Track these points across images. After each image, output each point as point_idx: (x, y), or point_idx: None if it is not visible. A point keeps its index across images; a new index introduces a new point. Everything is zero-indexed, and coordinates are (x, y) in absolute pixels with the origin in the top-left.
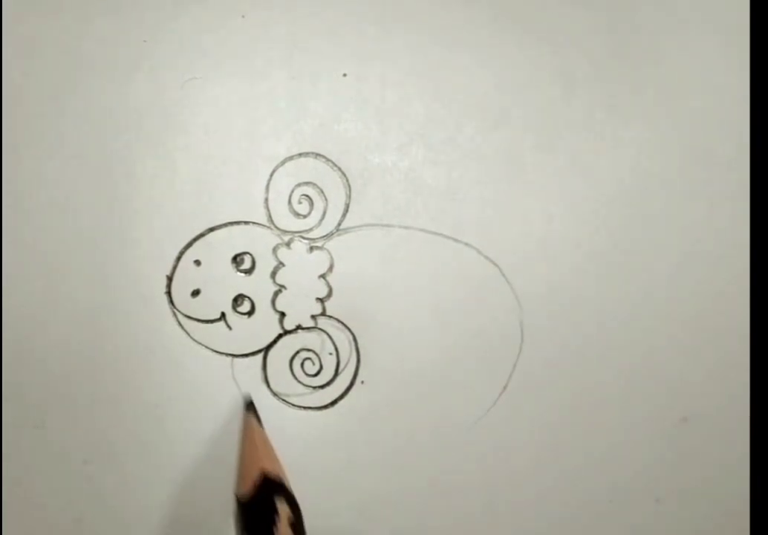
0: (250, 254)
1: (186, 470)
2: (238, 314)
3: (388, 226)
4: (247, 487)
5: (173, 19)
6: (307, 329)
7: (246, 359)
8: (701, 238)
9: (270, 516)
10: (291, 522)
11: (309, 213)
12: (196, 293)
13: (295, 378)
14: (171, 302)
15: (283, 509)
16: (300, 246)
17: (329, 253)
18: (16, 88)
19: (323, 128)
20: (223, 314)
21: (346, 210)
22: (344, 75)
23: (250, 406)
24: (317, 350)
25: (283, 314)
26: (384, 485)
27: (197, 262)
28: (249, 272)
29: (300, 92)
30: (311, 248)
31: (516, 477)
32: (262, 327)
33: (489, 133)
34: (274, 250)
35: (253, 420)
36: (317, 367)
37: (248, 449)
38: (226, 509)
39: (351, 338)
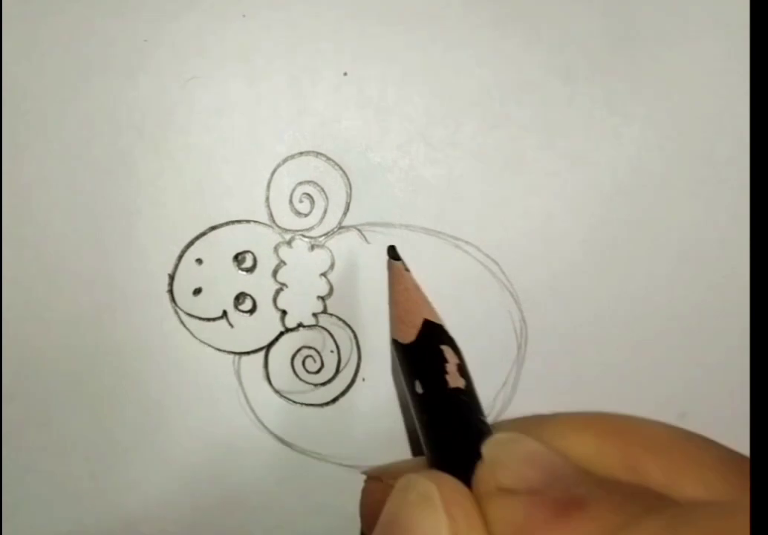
0: (252, 253)
1: (189, 468)
2: (239, 312)
3: (388, 224)
4: (411, 334)
5: (174, 19)
6: (309, 326)
7: (248, 357)
8: (701, 237)
9: (439, 361)
10: (458, 366)
11: (310, 212)
12: (197, 291)
13: (297, 376)
14: (173, 300)
15: (449, 353)
16: (301, 244)
17: (330, 251)
18: (17, 89)
19: (324, 127)
20: (224, 312)
21: (347, 208)
22: (345, 74)
23: (392, 250)
24: (318, 348)
25: (284, 312)
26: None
27: (199, 261)
28: (250, 270)
29: (301, 91)
30: (312, 247)
31: None
32: (263, 325)
33: (489, 132)
34: (276, 248)
35: (401, 266)
36: (318, 364)
37: (403, 296)
38: (230, 508)
39: (352, 335)
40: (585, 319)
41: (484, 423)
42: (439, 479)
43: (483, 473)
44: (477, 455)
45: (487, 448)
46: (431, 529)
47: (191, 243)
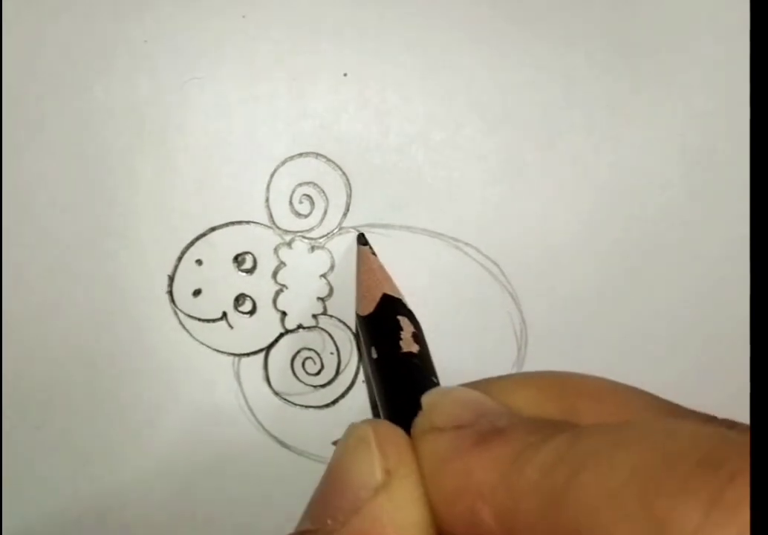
0: (252, 254)
1: (188, 470)
2: (239, 314)
3: (388, 225)
4: (370, 306)
5: (174, 20)
6: (309, 328)
7: (247, 359)
8: (701, 237)
9: (394, 329)
10: (413, 334)
11: (310, 213)
12: (197, 292)
13: (297, 377)
14: (172, 301)
15: (405, 323)
16: (301, 246)
17: (330, 252)
18: (16, 88)
19: (324, 128)
20: (224, 314)
21: (347, 210)
22: (345, 75)
23: (361, 237)
24: (318, 350)
25: (284, 314)
26: None
27: (199, 262)
28: (250, 271)
29: (301, 92)
30: (312, 248)
31: None
32: (263, 326)
33: (489, 134)
34: (276, 249)
35: (368, 250)
36: (318, 366)
37: (367, 275)
38: (228, 510)
39: (352, 337)
40: (585, 320)
41: (434, 384)
42: (376, 423)
43: (419, 418)
44: (419, 407)
45: (426, 397)
46: (366, 468)
47: (191, 244)
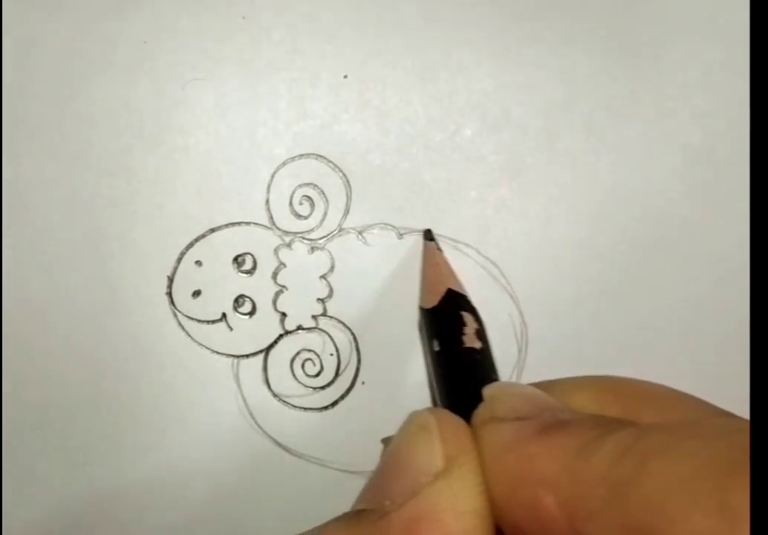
0: (252, 255)
1: (187, 472)
2: (239, 315)
3: (388, 226)
4: (434, 300)
5: (174, 21)
6: (308, 329)
7: (247, 360)
8: (701, 238)
9: (457, 324)
10: (476, 331)
11: (310, 214)
12: (197, 293)
13: (296, 379)
14: (172, 302)
15: (468, 319)
16: (301, 247)
17: (330, 253)
18: (16, 89)
19: (324, 130)
20: (224, 315)
21: (347, 211)
22: (345, 77)
23: (428, 233)
24: (318, 351)
25: (284, 315)
26: None
27: (198, 263)
28: (250, 272)
29: (301, 93)
30: (312, 249)
31: None
32: (263, 328)
33: (489, 134)
34: (276, 251)
35: (434, 246)
36: (318, 368)
37: (432, 269)
38: (227, 512)
39: (352, 338)
40: (585, 321)
41: (495, 380)
42: (438, 412)
43: (480, 409)
44: (480, 400)
45: (487, 389)
46: (426, 453)
47: (191, 245)
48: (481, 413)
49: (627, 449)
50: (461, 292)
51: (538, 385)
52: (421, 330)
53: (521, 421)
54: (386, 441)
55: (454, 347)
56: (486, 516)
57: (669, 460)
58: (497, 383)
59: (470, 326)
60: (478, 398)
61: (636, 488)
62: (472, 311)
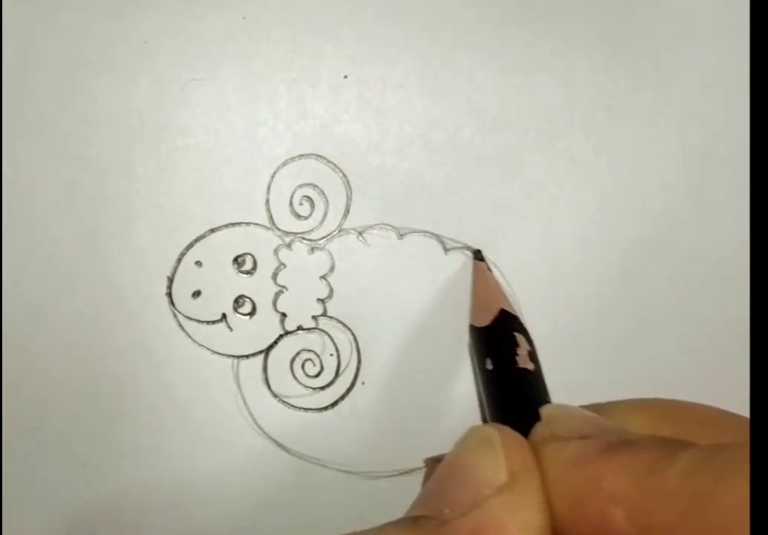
0: (252, 255)
1: (187, 473)
2: (239, 315)
3: (388, 227)
4: (487, 319)
5: (174, 21)
6: (308, 329)
7: (247, 360)
8: (701, 238)
9: (510, 344)
10: (529, 352)
11: (310, 214)
12: (197, 294)
13: (296, 379)
14: (171, 303)
15: (521, 339)
16: (301, 247)
17: (330, 254)
18: (16, 89)
19: (324, 130)
20: (224, 315)
21: (347, 211)
22: (345, 77)
23: (478, 253)
24: (318, 351)
25: (284, 315)
26: (385, 486)
27: (198, 264)
28: (250, 273)
29: (301, 94)
30: (312, 249)
31: None
32: (263, 328)
33: (489, 134)
34: (276, 251)
35: (485, 266)
36: (318, 368)
37: (483, 288)
38: (227, 513)
39: (352, 338)
40: (585, 321)
41: (548, 402)
42: (500, 427)
43: (539, 427)
44: (537, 418)
45: (545, 409)
46: (490, 467)
47: (190, 245)
48: (540, 431)
49: (701, 465)
50: (514, 313)
51: (588, 407)
52: (470, 348)
53: (585, 440)
54: (430, 461)
55: (508, 366)
56: (547, 534)
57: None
58: (554, 404)
59: (523, 347)
60: (533, 418)
61: (714, 501)
62: (525, 332)
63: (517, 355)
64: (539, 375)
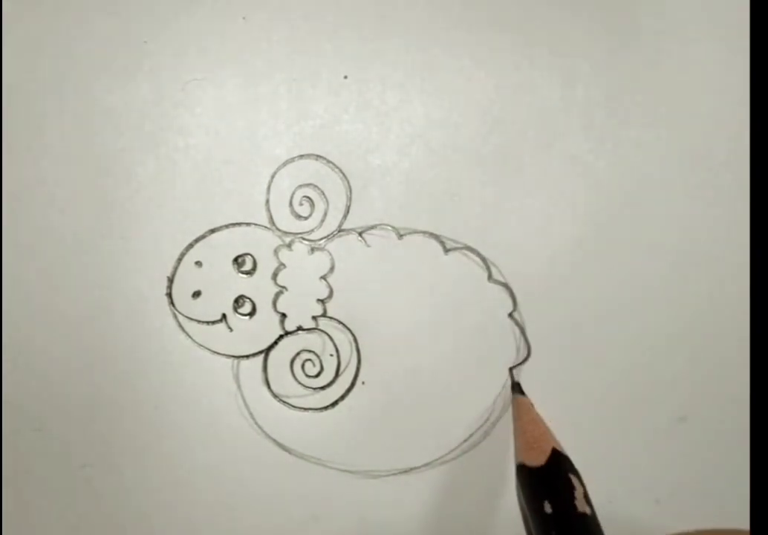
0: (252, 256)
1: (187, 473)
2: (239, 316)
3: (388, 227)
4: (540, 459)
5: (174, 21)
6: (308, 330)
7: (247, 361)
8: (701, 238)
9: (567, 487)
10: (584, 494)
11: (310, 214)
12: (197, 294)
13: (296, 379)
14: (172, 303)
15: (576, 481)
16: (301, 247)
17: (330, 254)
18: (16, 89)
19: (324, 130)
20: (224, 316)
21: (347, 211)
22: (345, 77)
23: (517, 387)
24: (318, 351)
25: (284, 315)
26: (384, 486)
27: (198, 264)
28: (250, 273)
29: (301, 94)
30: (312, 250)
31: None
32: (263, 328)
33: (489, 134)
34: (276, 251)
35: (528, 401)
36: (318, 368)
37: (531, 425)
38: (227, 513)
39: (352, 338)
40: (584, 321)
41: None
42: None
43: None
44: None
45: None
46: None
47: (190, 246)
48: None
49: None
50: (564, 453)
51: None
52: (518, 487)
53: None
54: None
55: (567, 510)
56: None
57: None
58: None
59: (579, 490)
60: None
61: None
62: (576, 473)
63: (575, 498)
64: (596, 520)
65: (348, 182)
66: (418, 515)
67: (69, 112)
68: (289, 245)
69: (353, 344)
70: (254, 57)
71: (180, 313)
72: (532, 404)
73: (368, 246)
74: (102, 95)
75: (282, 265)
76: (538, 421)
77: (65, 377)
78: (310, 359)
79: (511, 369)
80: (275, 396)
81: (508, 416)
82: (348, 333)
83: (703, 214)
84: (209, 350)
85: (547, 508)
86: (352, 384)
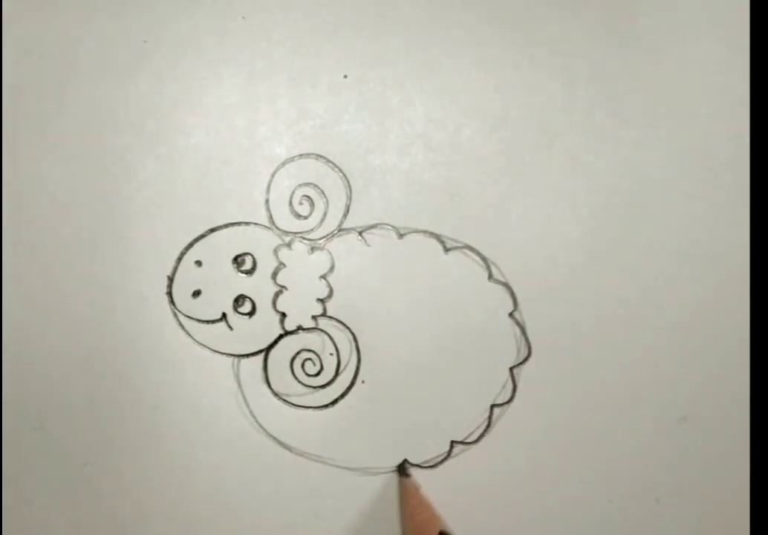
0: (251, 255)
1: (187, 471)
2: (239, 315)
3: (388, 226)
4: None
5: (174, 20)
6: (308, 329)
7: (247, 360)
8: (701, 238)
9: None
10: None
11: (310, 214)
12: (197, 293)
13: (296, 378)
14: (172, 302)
15: None
16: (301, 247)
17: (330, 253)
18: (16, 88)
19: (324, 130)
20: (224, 315)
21: (347, 211)
22: (345, 77)
23: (402, 468)
24: (318, 351)
25: (284, 315)
26: (384, 485)
27: (198, 263)
28: (250, 272)
29: (301, 94)
30: (312, 249)
31: (515, 477)
32: (263, 328)
33: (489, 134)
34: (275, 251)
35: (413, 484)
36: (318, 367)
37: (419, 508)
38: (228, 511)
39: (351, 338)
40: (584, 322)
41: None
42: None
43: None
44: None
45: None
46: None
47: (190, 245)
48: None
49: None
50: (451, 533)
51: None
52: None
53: None
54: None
55: None
56: None
57: None
58: None
59: None
60: None
61: None
62: None
63: None
64: None
65: (348, 182)
66: None
67: (69, 112)
68: (288, 245)
69: (353, 343)
70: (254, 57)
71: (180, 312)
72: (417, 487)
73: (368, 245)
74: (102, 95)
75: (282, 265)
76: (425, 504)
77: (66, 376)
78: (310, 358)
79: (511, 369)
80: (275, 395)
81: (508, 416)
82: (348, 332)
83: (703, 214)
84: (209, 348)
85: None
86: (352, 383)
